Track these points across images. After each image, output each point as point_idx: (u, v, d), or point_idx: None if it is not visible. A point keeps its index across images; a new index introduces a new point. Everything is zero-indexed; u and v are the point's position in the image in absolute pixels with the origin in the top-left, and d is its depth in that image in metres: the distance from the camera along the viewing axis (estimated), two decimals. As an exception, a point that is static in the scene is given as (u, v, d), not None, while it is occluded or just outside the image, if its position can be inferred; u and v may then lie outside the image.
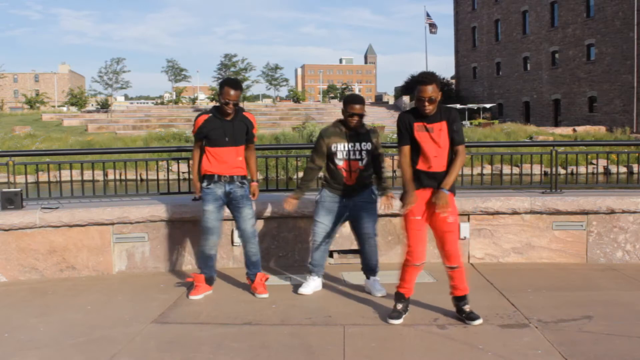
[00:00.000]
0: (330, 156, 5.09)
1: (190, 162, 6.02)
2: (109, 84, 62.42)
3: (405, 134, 4.40)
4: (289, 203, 5.32)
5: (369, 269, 5.30)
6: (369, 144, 5.07)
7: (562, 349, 3.92)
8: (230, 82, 5.16)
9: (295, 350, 3.99)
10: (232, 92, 5.06)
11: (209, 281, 5.30)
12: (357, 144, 5.04)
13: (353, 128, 5.04)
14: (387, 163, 5.84)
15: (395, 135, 4.77)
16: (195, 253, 6.09)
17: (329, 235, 5.29)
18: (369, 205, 5.19)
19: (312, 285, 5.32)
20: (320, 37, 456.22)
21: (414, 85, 4.34)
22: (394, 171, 6.93)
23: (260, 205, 6.18)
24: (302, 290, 5.28)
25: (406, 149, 4.40)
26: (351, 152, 5.04)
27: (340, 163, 5.07)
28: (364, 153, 5.06)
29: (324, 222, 5.21)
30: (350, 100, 5.03)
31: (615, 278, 5.80)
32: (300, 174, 5.53)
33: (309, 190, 5.54)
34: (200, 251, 5.34)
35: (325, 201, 5.19)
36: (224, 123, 5.12)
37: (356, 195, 5.14)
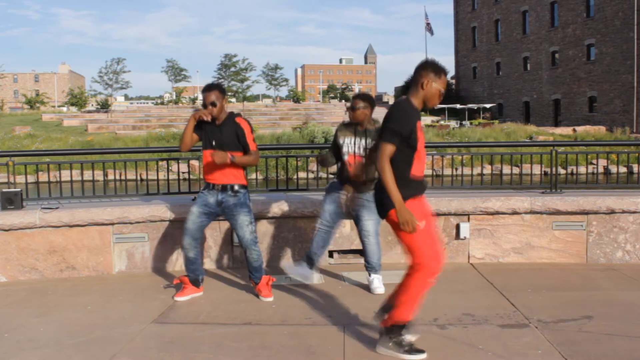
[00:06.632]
0: (340, 148, 5.30)
1: (191, 162, 6.02)
2: (109, 84, 62.46)
3: (408, 132, 3.63)
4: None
5: (370, 267, 5.38)
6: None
7: (562, 349, 3.92)
8: (205, 87, 5.08)
9: (295, 350, 3.99)
10: (207, 96, 4.94)
11: (195, 283, 5.23)
12: (363, 140, 5.19)
13: (363, 124, 5.23)
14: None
15: None
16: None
17: (331, 225, 5.37)
18: (371, 204, 5.21)
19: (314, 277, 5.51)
20: (320, 37, 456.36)
21: (431, 72, 3.73)
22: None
23: (260, 205, 6.18)
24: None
25: (393, 148, 3.63)
26: (356, 147, 5.22)
27: (346, 157, 5.26)
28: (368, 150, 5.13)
29: (327, 209, 5.35)
30: (355, 96, 5.31)
31: (615, 278, 5.80)
32: (301, 174, 5.61)
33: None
34: (182, 253, 5.32)
35: (332, 189, 5.38)
36: (213, 127, 5.03)
37: (360, 192, 5.19)
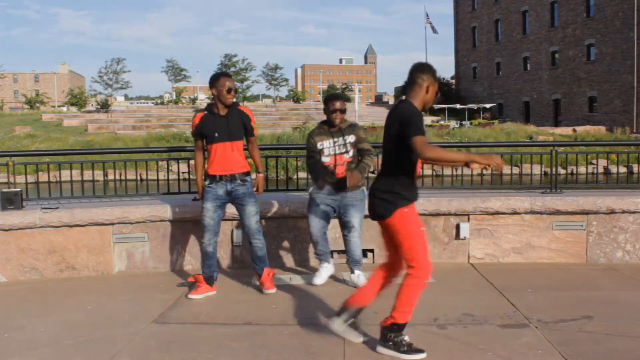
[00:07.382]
0: (319, 154, 5.34)
1: (191, 162, 6.02)
2: (109, 84, 62.47)
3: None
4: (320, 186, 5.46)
5: (354, 261, 5.44)
6: (352, 136, 5.31)
7: (562, 349, 3.92)
8: (223, 73, 5.28)
9: (295, 350, 3.99)
10: (227, 82, 5.11)
11: (209, 281, 5.28)
12: (341, 138, 5.29)
13: (336, 124, 5.32)
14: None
15: None
16: (196, 253, 6.09)
17: (324, 226, 5.53)
18: (357, 202, 5.39)
19: (324, 273, 5.56)
20: (320, 37, 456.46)
21: (432, 76, 3.75)
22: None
23: (260, 205, 6.16)
24: (315, 280, 5.52)
25: (425, 138, 3.56)
26: (336, 147, 5.30)
27: (328, 159, 5.31)
28: (348, 146, 5.30)
29: (316, 215, 5.46)
30: (330, 98, 5.34)
31: (615, 278, 5.80)
32: (301, 174, 5.64)
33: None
34: (200, 249, 5.38)
35: (317, 194, 5.42)
36: (217, 119, 5.14)
37: (346, 191, 5.32)
